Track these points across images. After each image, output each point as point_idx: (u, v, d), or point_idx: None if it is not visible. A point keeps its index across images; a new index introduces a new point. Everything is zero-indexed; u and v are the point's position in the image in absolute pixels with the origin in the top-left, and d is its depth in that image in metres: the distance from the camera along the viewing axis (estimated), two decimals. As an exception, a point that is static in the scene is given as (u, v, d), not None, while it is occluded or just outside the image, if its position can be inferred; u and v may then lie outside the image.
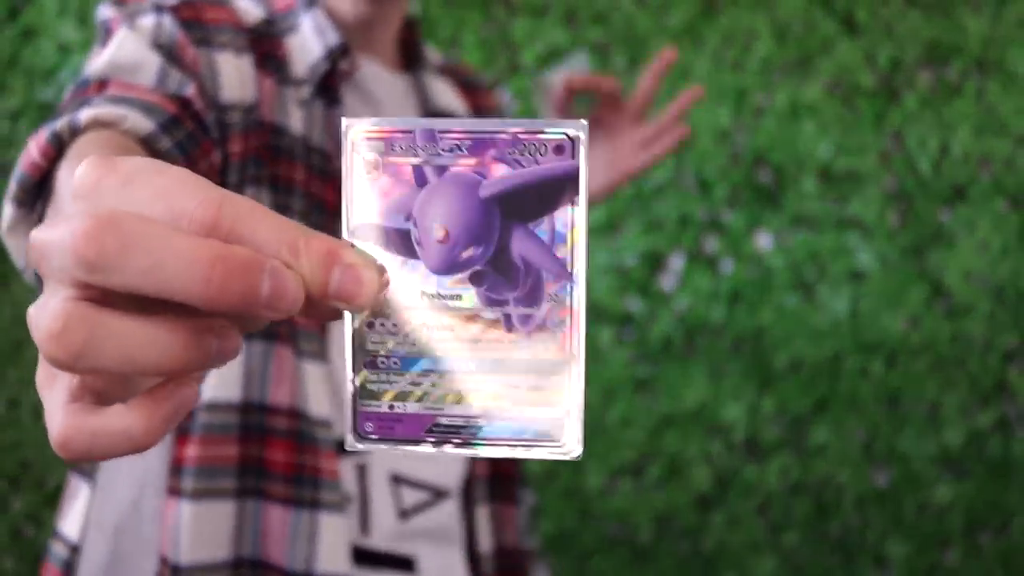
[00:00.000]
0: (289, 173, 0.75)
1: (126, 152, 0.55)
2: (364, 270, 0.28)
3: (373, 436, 0.31)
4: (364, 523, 0.77)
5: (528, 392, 0.31)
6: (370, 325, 0.31)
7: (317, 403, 0.74)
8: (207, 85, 0.70)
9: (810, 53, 1.95)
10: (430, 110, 0.89)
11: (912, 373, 1.95)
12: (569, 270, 0.30)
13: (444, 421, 0.31)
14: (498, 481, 0.89)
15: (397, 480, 0.79)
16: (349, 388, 0.31)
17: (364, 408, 0.31)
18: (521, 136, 0.30)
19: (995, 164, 1.95)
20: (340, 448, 0.77)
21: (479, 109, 1.00)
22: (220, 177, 0.71)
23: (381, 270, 0.30)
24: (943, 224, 1.95)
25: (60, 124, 0.57)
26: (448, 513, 0.83)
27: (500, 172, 0.30)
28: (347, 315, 0.31)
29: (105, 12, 0.72)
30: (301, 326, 0.75)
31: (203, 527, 0.70)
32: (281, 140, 0.75)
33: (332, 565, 0.73)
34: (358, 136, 0.30)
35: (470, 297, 0.31)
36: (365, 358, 0.31)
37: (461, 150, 0.30)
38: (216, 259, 0.26)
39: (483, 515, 0.87)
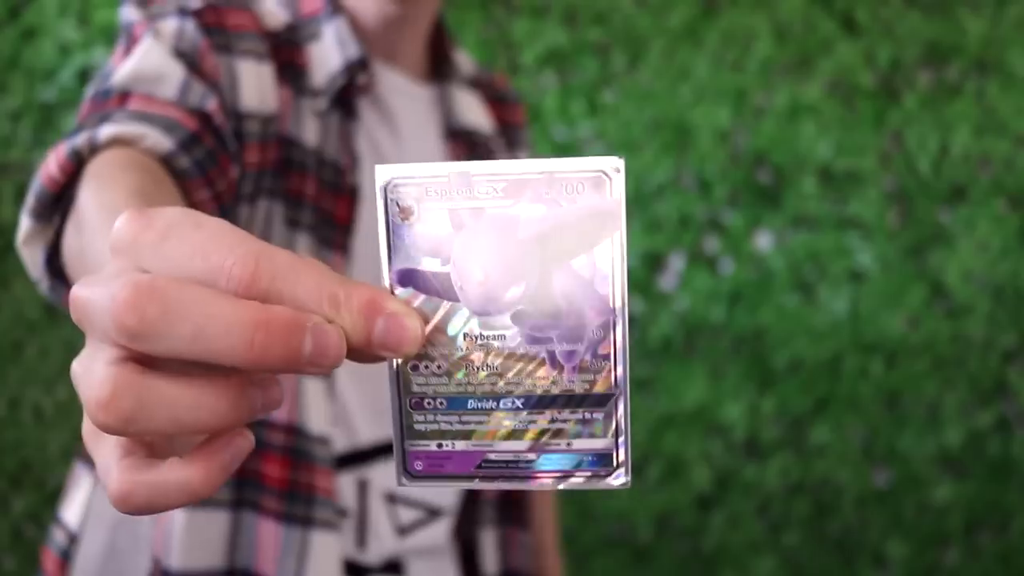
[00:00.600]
0: (300, 186, 0.74)
1: (145, 172, 0.55)
2: (407, 319, 0.28)
3: (423, 474, 0.32)
4: (361, 538, 0.77)
5: (575, 425, 0.32)
6: (414, 368, 0.31)
7: (316, 419, 0.73)
8: (226, 94, 0.70)
9: (810, 53, 1.95)
10: (452, 127, 0.87)
11: (912, 373, 1.95)
12: (611, 305, 0.31)
13: (494, 457, 0.32)
14: (507, 505, 0.89)
15: (393, 499, 0.79)
16: (396, 429, 0.32)
17: (413, 448, 0.32)
18: (557, 175, 0.30)
19: (995, 164, 1.95)
20: (338, 464, 0.76)
21: (506, 124, 0.98)
22: (235, 189, 0.71)
23: (423, 316, 0.30)
24: (943, 224, 1.95)
25: (80, 140, 0.57)
26: (442, 532, 0.83)
27: (538, 212, 0.30)
28: (391, 360, 0.31)
29: (129, 14, 0.71)
30: None
31: (196, 535, 0.69)
32: (294, 152, 0.74)
33: None
34: (392, 183, 0.30)
35: (513, 336, 0.31)
36: (411, 399, 0.32)
37: (497, 192, 0.30)
38: (258, 323, 0.26)
39: (490, 538, 0.87)
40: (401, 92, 0.84)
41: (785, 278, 1.94)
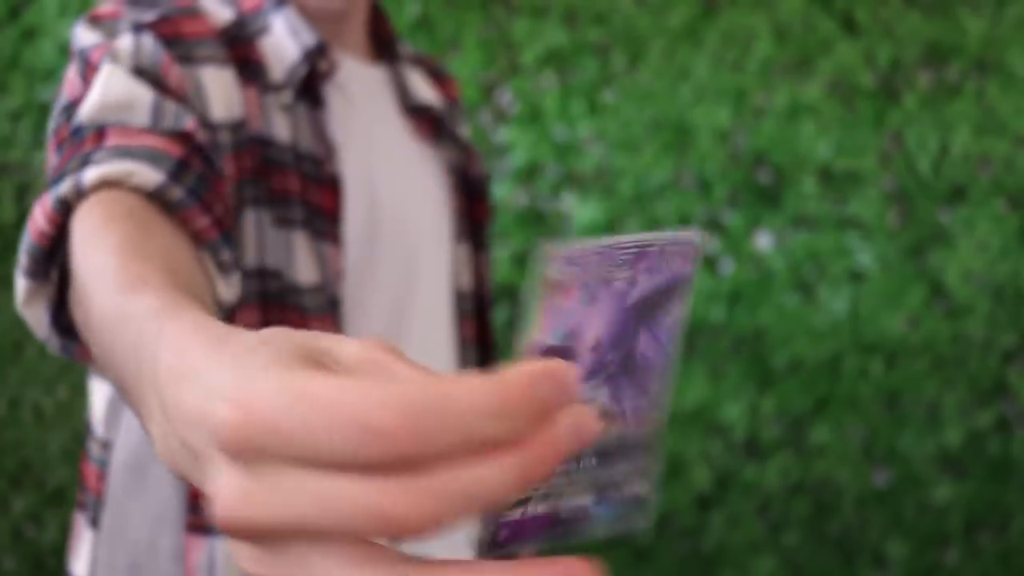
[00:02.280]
0: (283, 184, 0.74)
1: (130, 220, 0.53)
2: (587, 419, 0.26)
3: (505, 543, 0.32)
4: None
5: (627, 475, 0.33)
6: None
7: None
8: (195, 106, 0.69)
9: (810, 53, 1.95)
10: (410, 103, 0.88)
11: (912, 373, 1.95)
12: (670, 359, 0.32)
13: (562, 516, 0.32)
14: None
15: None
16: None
17: (504, 518, 0.31)
18: (667, 248, 0.31)
19: (994, 164, 1.95)
20: None
21: (449, 99, 0.99)
22: (233, 211, 0.70)
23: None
24: (942, 224, 1.95)
25: (64, 188, 0.56)
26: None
27: (643, 281, 0.31)
28: None
29: (83, 38, 0.70)
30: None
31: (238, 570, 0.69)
32: (270, 152, 0.74)
33: None
34: (553, 258, 0.30)
35: (602, 395, 0.32)
36: None
37: (624, 265, 0.31)
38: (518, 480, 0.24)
39: None
40: (355, 75, 0.84)
41: (785, 278, 1.94)
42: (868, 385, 1.94)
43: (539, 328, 0.30)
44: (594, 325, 0.31)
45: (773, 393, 1.94)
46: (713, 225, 1.94)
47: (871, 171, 1.94)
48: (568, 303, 0.31)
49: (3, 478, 1.87)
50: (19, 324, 1.89)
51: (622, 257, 0.30)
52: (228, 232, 0.66)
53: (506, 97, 1.93)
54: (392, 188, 0.81)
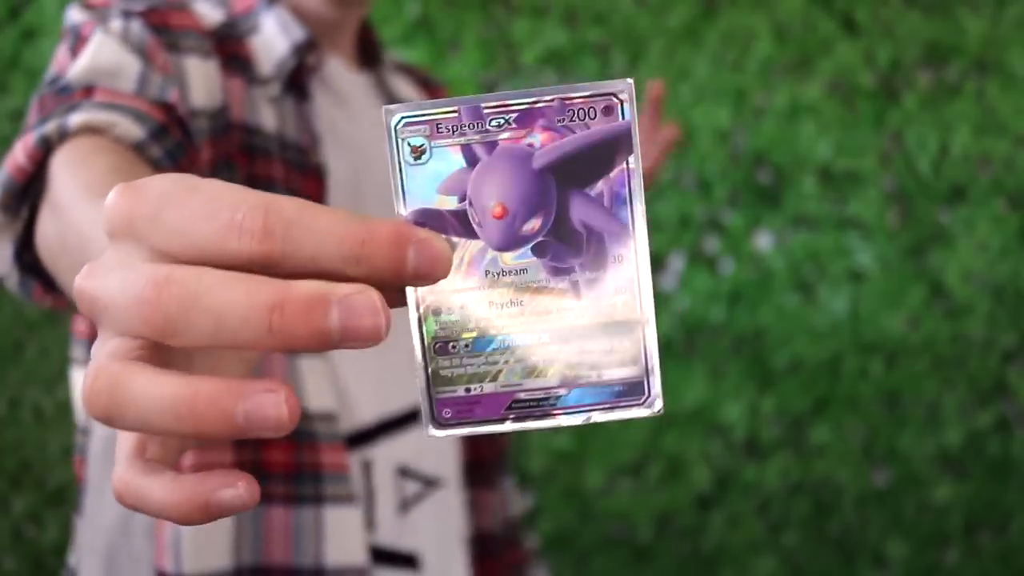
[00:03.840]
0: (267, 171, 0.75)
1: (118, 154, 0.55)
2: (436, 240, 0.27)
3: (452, 421, 0.31)
4: (370, 520, 0.77)
5: (604, 356, 0.31)
6: (436, 311, 0.31)
7: (317, 397, 0.74)
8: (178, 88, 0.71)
9: (810, 53, 1.95)
10: (394, 103, 0.90)
11: (912, 373, 1.95)
12: (630, 230, 0.30)
13: (523, 396, 0.31)
14: (475, 467, 0.90)
15: (404, 473, 0.80)
16: (422, 376, 0.31)
17: (440, 395, 0.31)
18: (568, 102, 0.29)
19: (994, 164, 1.95)
20: (349, 441, 0.77)
21: None
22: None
23: (444, 240, 0.30)
24: (943, 224, 1.95)
25: (49, 128, 0.56)
26: (443, 503, 0.83)
27: (551, 140, 0.30)
28: (411, 304, 0.31)
29: (74, 16, 0.72)
30: None
31: (203, 537, 0.69)
32: (255, 139, 0.75)
33: (343, 557, 0.72)
34: (402, 122, 0.30)
35: (536, 269, 0.30)
36: (435, 345, 0.31)
37: (509, 123, 0.29)
38: (273, 305, 0.25)
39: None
40: (343, 77, 0.86)
41: (785, 278, 1.94)
42: (868, 385, 1.94)
43: (408, 190, 0.30)
44: (491, 189, 0.30)
45: (773, 393, 1.94)
46: (713, 225, 1.94)
47: (871, 171, 1.94)
48: (440, 165, 0.30)
49: (3, 478, 1.87)
50: (19, 324, 1.89)
51: (496, 115, 0.29)
52: None
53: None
54: (376, 181, 0.83)
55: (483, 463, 0.91)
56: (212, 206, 0.27)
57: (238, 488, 0.26)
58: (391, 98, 0.90)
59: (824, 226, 1.94)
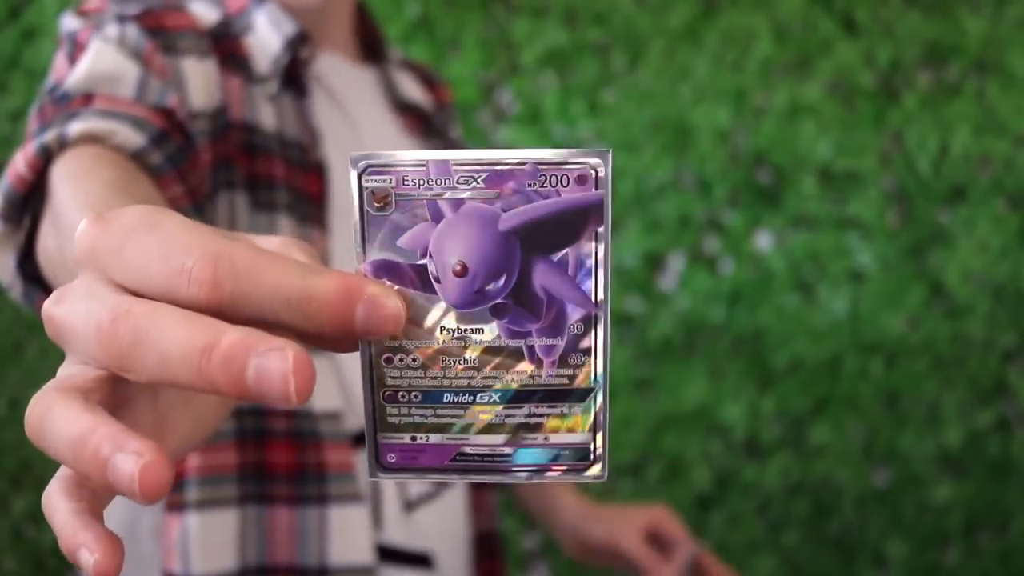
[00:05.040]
0: (268, 169, 0.75)
1: (118, 166, 0.55)
2: (387, 299, 0.28)
3: (396, 466, 0.31)
4: (377, 519, 0.77)
5: (553, 420, 0.31)
6: (388, 360, 0.30)
7: (322, 396, 0.73)
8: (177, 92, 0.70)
9: (810, 53, 1.95)
10: (400, 100, 0.90)
11: (912, 373, 1.95)
12: (593, 300, 0.30)
13: (469, 451, 0.31)
14: None
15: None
16: (369, 421, 0.31)
17: (385, 440, 0.31)
18: (541, 167, 0.29)
19: (994, 164, 1.95)
20: (358, 440, 0.76)
21: (440, 103, 1.00)
22: (206, 184, 0.71)
23: (401, 298, 0.30)
24: (943, 224, 1.95)
25: (49, 137, 0.56)
26: (450, 503, 0.83)
27: (519, 204, 0.29)
28: (363, 350, 0.30)
29: (70, 23, 0.71)
30: None
31: (210, 537, 0.69)
32: (255, 138, 0.75)
33: (349, 556, 0.72)
34: (368, 170, 0.29)
35: (491, 330, 0.30)
36: (384, 392, 0.31)
37: (477, 182, 0.29)
38: (204, 349, 0.25)
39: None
40: (341, 73, 0.85)
41: (785, 278, 1.94)
42: (868, 385, 1.94)
43: (369, 239, 0.30)
44: (454, 247, 0.29)
45: (773, 393, 1.94)
46: (713, 225, 1.94)
47: (871, 171, 1.94)
48: (404, 217, 0.29)
49: (3, 478, 1.87)
50: (19, 324, 1.89)
51: (465, 173, 0.29)
52: (200, 204, 0.67)
53: (506, 97, 1.93)
54: None
55: None
56: (166, 248, 0.27)
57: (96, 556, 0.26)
58: (394, 95, 0.90)
59: (824, 226, 1.94)
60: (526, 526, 1.89)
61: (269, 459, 0.72)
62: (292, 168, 0.76)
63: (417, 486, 0.80)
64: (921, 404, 1.95)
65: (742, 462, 1.94)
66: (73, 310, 0.27)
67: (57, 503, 0.27)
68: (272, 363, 0.25)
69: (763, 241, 1.94)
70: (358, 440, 0.76)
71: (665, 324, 1.93)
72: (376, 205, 0.29)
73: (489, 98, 1.93)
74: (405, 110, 0.89)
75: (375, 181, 0.29)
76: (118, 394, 0.30)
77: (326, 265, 0.75)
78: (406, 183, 0.29)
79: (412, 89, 0.93)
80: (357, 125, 0.83)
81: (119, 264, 0.27)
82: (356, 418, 0.77)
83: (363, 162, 0.29)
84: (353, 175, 0.29)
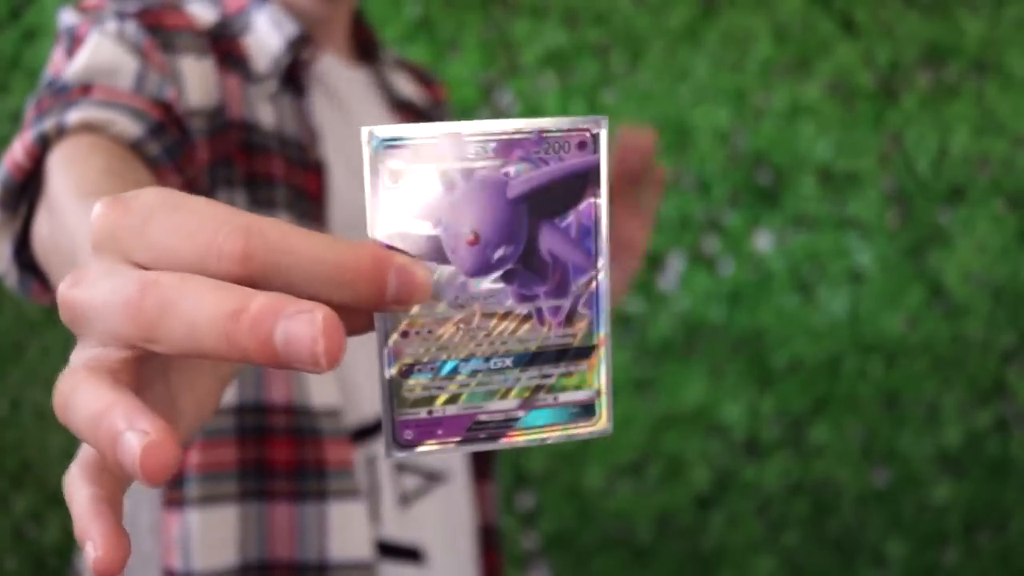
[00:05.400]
0: (267, 167, 0.75)
1: (114, 154, 0.55)
2: (417, 267, 0.28)
3: (413, 442, 0.32)
4: (375, 514, 0.77)
5: (561, 379, 0.32)
6: (404, 334, 0.31)
7: (321, 393, 0.74)
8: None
9: (809, 54, 1.95)
10: (396, 99, 0.90)
11: (911, 373, 1.95)
12: (593, 260, 0.31)
13: (484, 418, 0.32)
14: (478, 458, 0.91)
15: (400, 468, 0.80)
16: (386, 398, 0.31)
17: (402, 416, 0.31)
18: (545, 135, 0.30)
19: (993, 165, 1.96)
20: (356, 436, 0.77)
21: (436, 100, 1.01)
22: (204, 178, 0.72)
23: (425, 266, 0.30)
24: (942, 224, 1.95)
25: (47, 125, 0.57)
26: (450, 497, 0.84)
27: (526, 171, 0.30)
28: (378, 325, 0.31)
29: (69, 18, 0.72)
30: None
31: (210, 533, 0.70)
32: (254, 136, 0.75)
33: (348, 551, 0.73)
34: (381, 144, 0.30)
35: (503, 295, 0.31)
36: (401, 367, 0.31)
37: (487, 152, 0.30)
38: (233, 314, 0.25)
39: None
40: (338, 73, 0.86)
41: (785, 278, 1.94)
42: (867, 385, 1.95)
43: (385, 213, 0.30)
44: (466, 217, 0.30)
45: (773, 393, 1.94)
46: (713, 225, 1.94)
47: (870, 171, 1.95)
48: (417, 190, 0.30)
49: (4, 478, 1.87)
50: (19, 324, 1.89)
51: (476, 143, 0.30)
52: (198, 194, 0.67)
53: (506, 97, 1.93)
54: None
55: (485, 455, 0.92)
56: (194, 224, 0.27)
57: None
58: (390, 94, 0.90)
59: (824, 226, 1.94)
60: (525, 526, 1.89)
61: (269, 455, 0.72)
62: (291, 166, 0.76)
63: (412, 480, 0.80)
64: (920, 404, 1.95)
65: (742, 462, 1.94)
66: (95, 289, 0.27)
67: (77, 487, 0.27)
68: (301, 326, 0.25)
69: (763, 241, 1.94)
70: (357, 436, 0.77)
71: (665, 324, 1.93)
72: (389, 178, 0.30)
73: (489, 98, 1.93)
74: (401, 108, 0.90)
75: (388, 154, 0.30)
76: (140, 376, 0.30)
77: None
78: (420, 156, 0.30)
79: (407, 87, 0.94)
80: (355, 123, 0.84)
81: (142, 243, 0.27)
82: (355, 414, 0.77)
83: (376, 136, 0.30)
84: (366, 149, 0.30)
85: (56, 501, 1.88)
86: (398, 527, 0.79)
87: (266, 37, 0.78)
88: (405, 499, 0.80)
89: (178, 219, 0.27)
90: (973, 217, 1.95)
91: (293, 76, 0.79)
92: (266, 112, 0.76)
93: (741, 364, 1.94)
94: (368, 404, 0.78)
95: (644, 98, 1.93)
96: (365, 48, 0.92)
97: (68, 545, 1.86)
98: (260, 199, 0.74)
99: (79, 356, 0.28)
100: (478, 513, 0.90)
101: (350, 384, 0.77)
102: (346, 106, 0.85)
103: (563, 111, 1.92)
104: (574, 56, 1.93)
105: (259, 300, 0.25)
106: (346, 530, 0.73)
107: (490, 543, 0.91)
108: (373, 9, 1.91)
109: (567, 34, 1.93)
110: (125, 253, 0.28)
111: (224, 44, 0.77)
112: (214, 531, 0.70)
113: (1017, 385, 1.96)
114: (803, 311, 1.94)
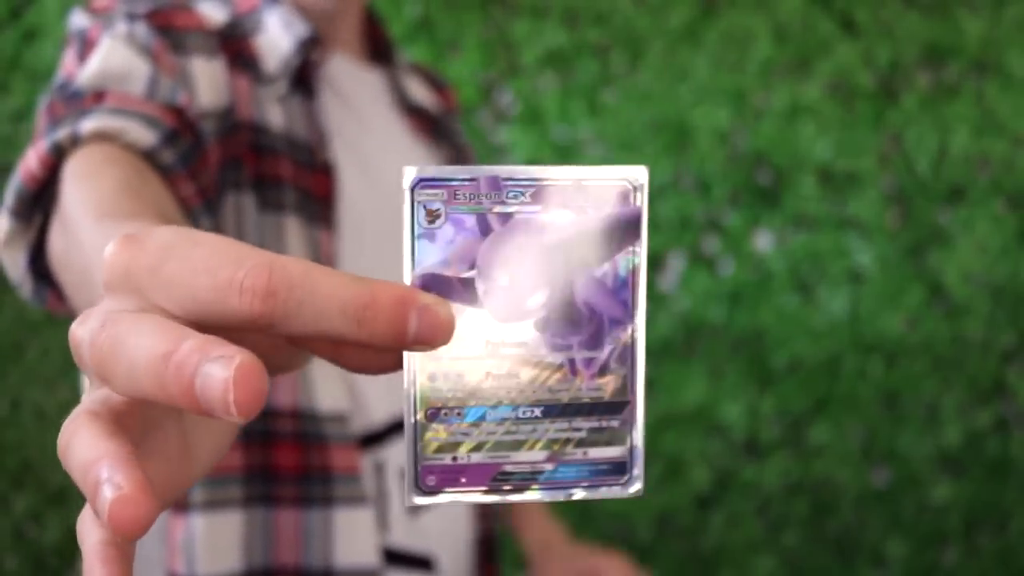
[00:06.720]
0: (276, 169, 0.75)
1: (129, 166, 0.55)
2: (440, 308, 0.28)
3: (436, 489, 0.31)
4: (383, 521, 0.77)
5: (591, 434, 0.31)
6: (432, 377, 0.31)
7: (328, 398, 0.73)
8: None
9: (809, 54, 1.95)
10: (405, 104, 0.90)
11: (911, 373, 1.95)
12: (631, 313, 0.31)
13: (510, 468, 0.31)
14: None
15: (404, 475, 0.80)
16: (409, 442, 0.31)
17: (426, 462, 0.31)
18: (585, 183, 0.30)
19: (993, 165, 1.96)
20: (364, 442, 0.76)
21: (447, 107, 1.00)
22: (218, 184, 0.71)
23: (450, 307, 0.30)
24: (942, 224, 1.95)
25: (61, 134, 0.56)
26: (450, 507, 0.83)
27: (564, 218, 0.30)
28: (406, 367, 0.30)
29: (80, 21, 0.71)
30: None
31: (215, 538, 0.69)
32: (263, 138, 0.75)
33: (354, 558, 0.72)
34: (420, 184, 0.30)
35: (535, 344, 0.31)
36: (428, 411, 0.31)
37: (524, 197, 0.30)
38: (166, 355, 0.24)
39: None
40: (349, 75, 0.85)
41: (784, 278, 1.94)
42: (867, 385, 1.95)
43: (420, 253, 0.30)
44: (501, 260, 0.30)
45: (773, 393, 1.94)
46: (713, 225, 1.94)
47: (870, 171, 1.95)
48: (453, 231, 0.30)
49: (4, 478, 1.88)
50: (19, 324, 1.89)
51: (514, 188, 0.30)
52: (211, 203, 0.67)
53: (506, 98, 1.93)
54: (384, 179, 0.82)
55: None
56: (214, 261, 0.26)
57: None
58: (402, 96, 0.90)
59: (823, 226, 1.94)
60: (526, 526, 1.90)
61: (275, 461, 0.72)
62: (300, 168, 0.76)
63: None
64: (920, 404, 1.95)
65: (742, 462, 1.95)
66: (84, 329, 0.27)
67: (89, 530, 0.27)
68: (216, 370, 0.24)
69: (763, 241, 1.94)
70: (365, 442, 0.76)
71: (665, 324, 1.93)
72: (427, 218, 0.30)
73: (489, 98, 1.93)
74: (412, 112, 0.90)
75: (427, 195, 0.30)
76: (148, 416, 0.29)
77: (332, 266, 0.75)
78: (457, 197, 0.30)
79: (419, 92, 0.93)
80: (365, 126, 0.84)
81: (158, 282, 0.27)
82: (363, 420, 0.77)
83: (415, 176, 0.30)
84: (406, 189, 0.30)
85: (56, 501, 1.89)
86: (406, 535, 0.78)
87: (277, 38, 0.78)
88: (415, 507, 0.80)
89: (197, 255, 0.26)
90: (973, 217, 1.95)
91: (303, 77, 0.79)
92: (275, 113, 0.76)
93: (741, 364, 1.94)
94: (376, 410, 0.78)
95: (644, 98, 1.93)
96: (378, 49, 0.92)
97: (68, 545, 1.86)
98: (268, 201, 0.74)
99: (86, 398, 0.28)
100: (479, 524, 0.90)
101: (359, 389, 0.77)
102: (356, 107, 0.84)
103: (563, 111, 1.92)
104: (574, 56, 1.93)
105: (188, 342, 0.24)
106: (352, 537, 0.72)
107: (489, 554, 0.91)
108: (373, 9, 1.92)
109: (567, 34, 1.93)
110: (140, 293, 0.27)
111: (234, 44, 0.77)
112: (219, 536, 0.69)
113: (1017, 385, 1.96)
114: (803, 311, 1.94)
